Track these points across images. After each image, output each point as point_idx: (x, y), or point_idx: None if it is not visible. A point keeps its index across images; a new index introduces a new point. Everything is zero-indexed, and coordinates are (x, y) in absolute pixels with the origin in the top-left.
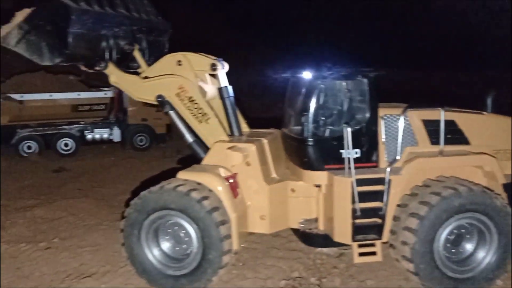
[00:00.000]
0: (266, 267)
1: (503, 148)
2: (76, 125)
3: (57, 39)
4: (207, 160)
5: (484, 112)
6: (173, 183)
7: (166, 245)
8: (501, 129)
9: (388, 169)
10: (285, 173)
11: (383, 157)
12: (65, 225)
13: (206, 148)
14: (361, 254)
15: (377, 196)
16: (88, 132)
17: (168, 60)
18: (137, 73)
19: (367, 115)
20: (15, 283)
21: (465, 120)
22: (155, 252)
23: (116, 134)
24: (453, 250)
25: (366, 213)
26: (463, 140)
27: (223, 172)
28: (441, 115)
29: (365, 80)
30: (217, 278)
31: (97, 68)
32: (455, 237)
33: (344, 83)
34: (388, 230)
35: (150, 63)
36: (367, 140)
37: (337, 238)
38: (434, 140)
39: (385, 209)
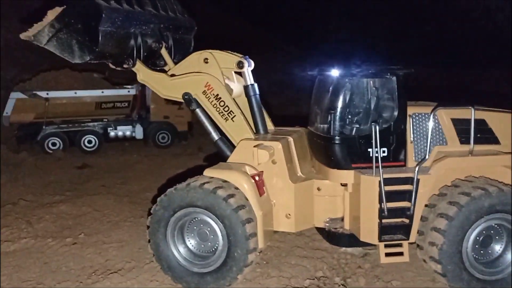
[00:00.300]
0: (290, 266)
1: None
2: (99, 122)
3: (88, 37)
4: (233, 158)
5: None
6: (200, 181)
7: (191, 243)
8: None
9: (417, 169)
10: (311, 172)
11: (411, 157)
12: (90, 221)
13: (231, 146)
14: (388, 254)
15: (405, 195)
16: (111, 129)
17: (195, 58)
18: (163, 71)
19: (395, 113)
20: (43, 277)
21: (495, 119)
22: (180, 249)
23: (138, 132)
24: (481, 251)
25: (393, 213)
26: (493, 140)
27: (249, 170)
28: (472, 113)
29: (394, 78)
30: (242, 276)
31: (125, 66)
32: (484, 238)
33: (372, 81)
34: (416, 230)
35: (176, 61)
36: (395, 139)
37: (363, 238)
38: (464, 140)
39: (413, 209)
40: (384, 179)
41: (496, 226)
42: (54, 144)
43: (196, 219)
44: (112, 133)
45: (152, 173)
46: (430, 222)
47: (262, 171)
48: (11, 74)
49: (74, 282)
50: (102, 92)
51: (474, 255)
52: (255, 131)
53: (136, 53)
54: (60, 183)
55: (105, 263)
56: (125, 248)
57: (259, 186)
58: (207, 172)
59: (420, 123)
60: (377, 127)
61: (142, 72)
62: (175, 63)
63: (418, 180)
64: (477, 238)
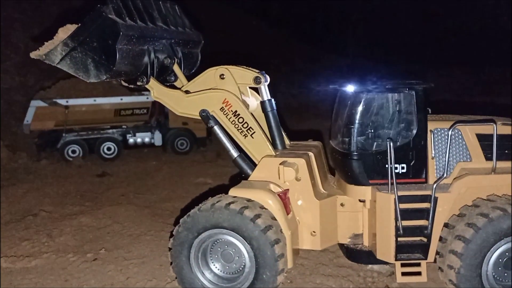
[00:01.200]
0: (315, 285)
1: None
2: (118, 129)
3: (104, 56)
4: (256, 175)
5: None
6: (225, 201)
7: (216, 265)
8: None
9: (434, 186)
10: (331, 187)
11: (433, 173)
12: (110, 234)
13: (251, 163)
14: (405, 274)
15: (422, 214)
16: (130, 136)
17: (211, 74)
18: (173, 87)
19: (415, 129)
20: None
21: None
22: (205, 272)
23: (157, 138)
24: (505, 274)
25: (410, 231)
26: None
27: (273, 188)
28: (494, 129)
29: (412, 93)
30: None
31: (139, 83)
32: (507, 260)
33: (390, 96)
34: (434, 250)
35: (185, 75)
36: (414, 155)
37: (379, 256)
38: (490, 156)
39: (431, 228)
40: (400, 197)
41: None
42: (74, 151)
43: (221, 240)
44: (131, 140)
45: (172, 181)
46: (448, 244)
47: (288, 189)
48: (31, 82)
49: None
50: (121, 99)
51: (498, 278)
52: (273, 147)
53: (150, 70)
54: (80, 192)
55: (126, 281)
56: (146, 265)
57: (286, 205)
58: (233, 192)
59: (442, 139)
60: (392, 143)
61: (156, 89)
62: (186, 78)
63: (436, 198)
64: (500, 260)
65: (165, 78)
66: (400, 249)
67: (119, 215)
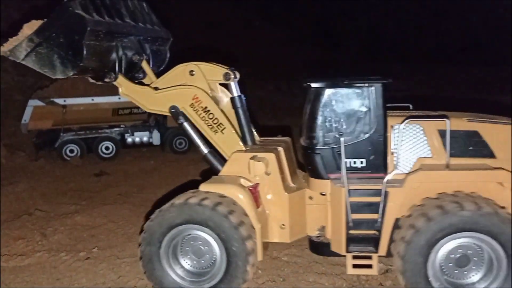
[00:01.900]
0: (308, 284)
1: None
2: (116, 129)
3: (71, 52)
4: (226, 170)
5: None
6: (198, 196)
7: (187, 260)
8: None
9: (385, 181)
10: (300, 181)
11: (392, 168)
12: (105, 233)
13: (221, 159)
14: (356, 266)
15: (374, 208)
16: (128, 135)
17: (180, 70)
18: (142, 84)
19: (373, 124)
20: None
21: (491, 131)
22: (175, 267)
23: (155, 137)
24: (455, 271)
25: (361, 224)
26: (488, 153)
27: (244, 183)
28: (447, 125)
29: (371, 89)
30: None
31: (107, 80)
32: (460, 258)
33: (348, 92)
34: (385, 243)
35: (154, 72)
36: (373, 150)
37: (333, 248)
38: (453, 152)
39: (382, 222)
40: (352, 190)
41: (478, 248)
42: (71, 151)
43: (190, 236)
44: (129, 139)
45: (169, 181)
46: (395, 245)
47: (258, 183)
48: (31, 81)
49: None
50: (119, 98)
51: (447, 273)
52: (243, 142)
53: (118, 67)
54: (77, 191)
55: (118, 279)
56: (138, 264)
57: (256, 198)
58: (204, 187)
59: (404, 134)
60: (342, 138)
61: (124, 86)
62: (155, 75)
63: (387, 193)
64: (451, 255)
65: (134, 75)
66: (351, 241)
67: (115, 214)
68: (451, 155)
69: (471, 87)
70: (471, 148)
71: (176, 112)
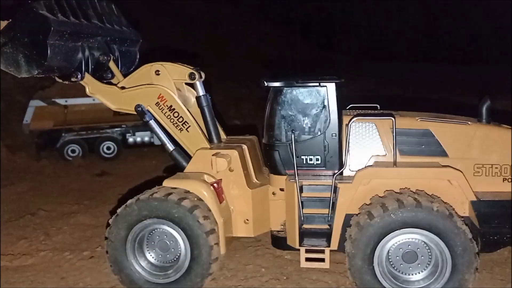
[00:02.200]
0: (312, 282)
1: (493, 163)
2: (118, 129)
3: (35, 51)
4: (190, 167)
5: (470, 122)
6: (163, 191)
7: (152, 254)
8: (490, 141)
9: (334, 176)
10: (265, 178)
11: (347, 165)
12: None
13: (187, 156)
14: (308, 259)
15: (325, 203)
16: (130, 135)
17: (146, 70)
18: (110, 84)
19: (327, 122)
20: None
21: (443, 130)
22: (140, 261)
23: (156, 138)
24: (401, 265)
25: (313, 219)
26: (440, 152)
27: (207, 179)
28: (393, 123)
29: (324, 88)
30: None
31: (73, 79)
32: (408, 253)
33: (303, 91)
34: (337, 238)
35: (123, 73)
36: (328, 147)
37: (289, 242)
38: (406, 151)
39: (333, 217)
40: (304, 186)
41: (424, 245)
42: (73, 151)
43: (156, 230)
44: (130, 139)
45: None
46: (349, 231)
47: (221, 179)
48: (31, 82)
49: None
50: None
51: (395, 268)
52: (208, 140)
53: (84, 66)
54: (80, 191)
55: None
56: None
57: (219, 194)
58: (167, 183)
59: (358, 132)
60: (293, 136)
61: (91, 85)
62: (123, 76)
63: (336, 188)
64: (400, 249)
65: (102, 75)
66: (304, 235)
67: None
68: (404, 153)
69: (469, 88)
70: (423, 146)
71: (141, 111)
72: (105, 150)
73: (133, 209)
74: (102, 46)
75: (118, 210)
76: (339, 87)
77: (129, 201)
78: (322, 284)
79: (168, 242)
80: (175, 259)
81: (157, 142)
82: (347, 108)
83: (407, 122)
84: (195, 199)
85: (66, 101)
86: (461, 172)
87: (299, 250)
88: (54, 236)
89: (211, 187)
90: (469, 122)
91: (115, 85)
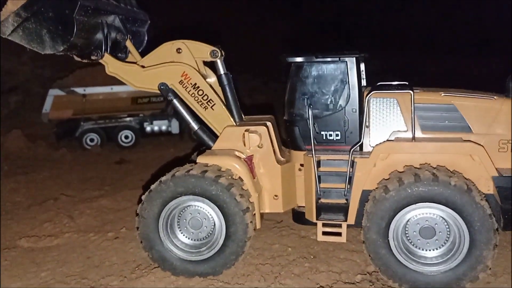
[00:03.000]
0: (340, 261)
1: None
2: (135, 117)
3: (61, 26)
4: (219, 145)
5: (496, 97)
6: (198, 169)
7: (184, 232)
8: None
9: (351, 151)
10: (286, 155)
11: (367, 141)
12: (131, 215)
13: (212, 135)
14: (325, 233)
15: (341, 178)
16: (147, 124)
17: (167, 48)
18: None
19: (348, 97)
20: (87, 272)
21: (467, 105)
22: (173, 238)
23: (174, 126)
24: (418, 240)
25: (329, 194)
26: (464, 128)
27: (239, 155)
28: (411, 97)
29: (344, 63)
30: (237, 263)
31: (93, 58)
32: (425, 228)
33: (323, 66)
34: (354, 212)
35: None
36: (347, 123)
37: (307, 216)
38: (429, 126)
39: (350, 191)
40: (321, 161)
41: (443, 220)
42: (92, 140)
43: (189, 207)
44: (148, 128)
45: None
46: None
47: (253, 155)
48: (49, 73)
49: (118, 276)
50: None
51: (412, 243)
52: (232, 118)
53: (104, 45)
54: (99, 178)
55: (148, 257)
56: None
57: (252, 170)
58: (201, 159)
59: (379, 108)
60: (310, 111)
61: (111, 64)
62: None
63: (353, 163)
64: (417, 224)
65: (116, 55)
66: (321, 209)
67: (138, 198)
68: (426, 129)
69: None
70: (447, 122)
71: (165, 89)
72: (123, 139)
73: (169, 185)
74: (118, 25)
75: (152, 186)
76: (360, 62)
77: (163, 178)
78: (350, 262)
79: (200, 220)
80: (207, 236)
81: (174, 131)
82: (377, 85)
83: (431, 97)
84: (231, 177)
85: (84, 90)
86: (483, 146)
87: (316, 224)
88: (77, 219)
89: (245, 162)
90: (494, 97)
91: (135, 63)
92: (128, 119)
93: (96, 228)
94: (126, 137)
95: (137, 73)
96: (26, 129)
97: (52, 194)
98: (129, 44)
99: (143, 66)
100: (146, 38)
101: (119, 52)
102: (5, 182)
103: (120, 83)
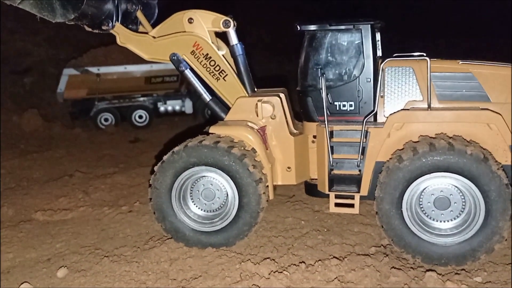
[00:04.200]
0: (354, 234)
1: None
2: (149, 97)
3: None
4: (231, 116)
5: None
6: (211, 139)
7: (196, 203)
8: None
9: (364, 121)
10: (299, 127)
11: (382, 111)
12: (144, 191)
13: (224, 106)
14: (338, 205)
15: (354, 148)
16: (161, 104)
17: (178, 19)
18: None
19: (362, 66)
20: (101, 243)
21: (486, 73)
22: (186, 209)
23: (188, 106)
24: (433, 211)
25: (342, 164)
26: (482, 97)
27: (252, 126)
28: (428, 65)
29: (359, 31)
30: (250, 234)
31: (104, 28)
32: (440, 199)
33: (338, 34)
34: (367, 184)
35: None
36: (362, 93)
37: (319, 188)
38: (446, 95)
39: (363, 162)
40: (334, 131)
41: (458, 191)
42: (106, 119)
43: (201, 178)
44: (162, 108)
45: None
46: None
47: (265, 126)
48: (63, 55)
49: (131, 247)
50: (151, 66)
51: (426, 214)
52: (245, 89)
53: (115, 15)
54: (114, 156)
55: (161, 229)
56: None
57: (264, 141)
58: (213, 129)
59: (395, 77)
60: (323, 80)
61: (122, 35)
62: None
63: (366, 133)
64: (432, 195)
65: (127, 26)
66: (333, 181)
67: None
68: (443, 98)
69: None
70: (464, 91)
71: (177, 60)
72: (137, 118)
73: (181, 156)
74: None
75: (165, 157)
76: (376, 31)
77: (176, 148)
78: (364, 236)
79: (213, 191)
80: (220, 207)
81: (188, 111)
82: (393, 56)
83: (448, 65)
84: (243, 148)
85: (98, 69)
86: (500, 115)
87: (328, 196)
88: (92, 194)
89: (258, 133)
90: None
91: (146, 34)
92: (142, 99)
93: (110, 202)
94: (140, 116)
95: (148, 44)
96: (42, 109)
97: (67, 171)
98: (140, 15)
99: (154, 37)
100: (156, 10)
101: (130, 23)
102: (21, 160)
103: (133, 62)
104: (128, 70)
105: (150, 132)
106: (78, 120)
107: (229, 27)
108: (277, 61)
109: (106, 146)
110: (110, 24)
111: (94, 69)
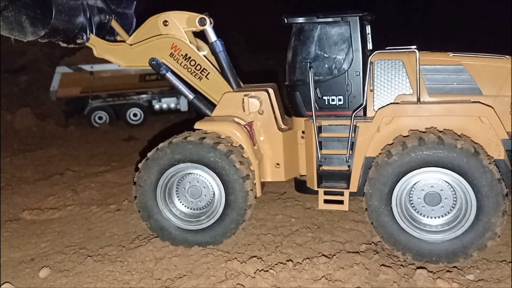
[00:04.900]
0: (344, 231)
1: None
2: (144, 95)
3: (39, 10)
4: (218, 112)
5: (508, 57)
6: (196, 135)
7: (182, 201)
8: None
9: (353, 115)
10: (288, 123)
11: (371, 105)
12: None
13: (208, 103)
14: (327, 202)
15: (342, 143)
16: (156, 102)
17: (153, 23)
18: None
19: (350, 60)
20: (86, 242)
21: (477, 65)
22: (171, 208)
23: (183, 104)
24: (423, 207)
25: (330, 160)
26: (474, 90)
27: (239, 122)
28: (416, 57)
29: (347, 24)
30: (238, 232)
31: (79, 41)
32: (430, 195)
33: (325, 27)
34: (356, 179)
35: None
36: (350, 87)
37: (308, 184)
38: (436, 88)
39: (352, 157)
40: (322, 126)
41: (449, 186)
42: (100, 118)
43: (187, 176)
44: (156, 106)
45: None
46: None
47: (253, 121)
48: (58, 53)
49: (116, 246)
50: None
51: (416, 210)
52: (229, 86)
53: (88, 27)
54: (107, 154)
55: (147, 227)
56: None
57: (252, 136)
58: (199, 125)
59: (384, 71)
60: (311, 73)
61: (98, 46)
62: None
63: (355, 128)
64: (422, 190)
65: (105, 38)
66: (322, 177)
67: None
68: (434, 92)
69: None
70: (455, 84)
71: (156, 64)
72: (131, 116)
73: (166, 152)
74: (101, 5)
75: (149, 154)
76: (365, 23)
77: (160, 145)
78: (355, 233)
79: (199, 188)
80: (206, 205)
81: (183, 108)
82: (386, 49)
83: (438, 57)
84: (230, 143)
85: (91, 67)
86: (492, 108)
87: (317, 192)
88: (81, 193)
89: (244, 128)
90: (506, 57)
91: (123, 42)
92: (136, 96)
93: (99, 201)
94: (135, 115)
95: (126, 52)
96: (36, 107)
97: (59, 169)
98: (115, 24)
99: (131, 45)
100: (134, 19)
101: (106, 35)
102: (14, 159)
103: None
104: (122, 68)
105: (145, 130)
106: (72, 119)
107: (205, 24)
108: (271, 55)
109: (100, 144)
110: (84, 37)
111: (87, 67)
